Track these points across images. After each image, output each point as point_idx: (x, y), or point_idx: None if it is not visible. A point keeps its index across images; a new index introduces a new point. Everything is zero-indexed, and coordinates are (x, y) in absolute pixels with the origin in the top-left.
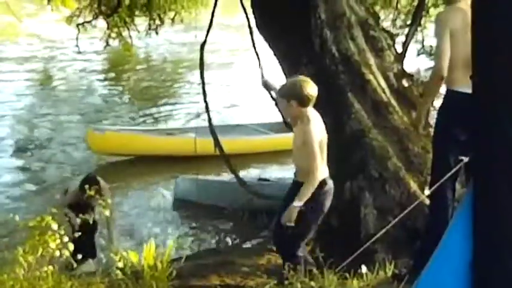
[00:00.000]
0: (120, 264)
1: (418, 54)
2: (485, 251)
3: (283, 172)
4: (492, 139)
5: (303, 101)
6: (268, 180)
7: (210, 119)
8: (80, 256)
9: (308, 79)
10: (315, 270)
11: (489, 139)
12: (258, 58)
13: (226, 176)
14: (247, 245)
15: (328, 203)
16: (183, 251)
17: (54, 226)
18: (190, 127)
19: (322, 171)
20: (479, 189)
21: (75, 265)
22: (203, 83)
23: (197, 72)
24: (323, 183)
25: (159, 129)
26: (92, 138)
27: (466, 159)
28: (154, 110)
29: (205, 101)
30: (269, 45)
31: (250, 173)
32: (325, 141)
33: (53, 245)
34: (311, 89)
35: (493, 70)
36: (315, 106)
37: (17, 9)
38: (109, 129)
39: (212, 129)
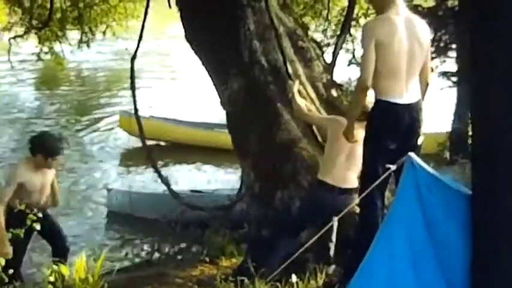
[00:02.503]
0: (52, 278)
1: (349, 64)
2: (485, 251)
3: None
4: (492, 139)
5: None
6: (200, 191)
7: (141, 128)
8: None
9: None
10: (246, 280)
11: (489, 139)
12: None
13: (159, 189)
14: (180, 256)
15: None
16: (115, 263)
17: None
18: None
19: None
20: (479, 190)
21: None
22: (133, 93)
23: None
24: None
25: (198, 122)
26: (123, 121)
27: (393, 167)
28: (86, 118)
29: (135, 111)
30: (198, 56)
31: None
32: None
33: None
34: None
35: (492, 69)
36: (244, 117)
37: None
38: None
39: (142, 137)
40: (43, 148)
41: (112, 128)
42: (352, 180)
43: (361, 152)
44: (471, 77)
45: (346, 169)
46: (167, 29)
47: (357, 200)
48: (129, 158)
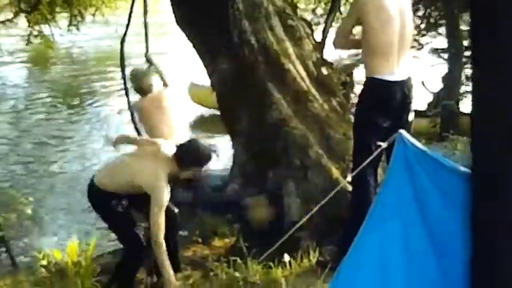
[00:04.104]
0: (44, 262)
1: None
2: (486, 247)
3: None
4: (493, 129)
5: None
6: None
7: (132, 113)
8: None
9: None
10: (239, 260)
11: (490, 129)
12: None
13: None
14: None
15: None
16: (107, 246)
17: None
18: None
19: None
20: (480, 182)
21: None
22: (124, 74)
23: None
24: None
25: None
26: (193, 92)
27: (384, 144)
28: (78, 100)
29: (126, 93)
30: (189, 38)
31: None
32: None
33: None
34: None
35: (493, 57)
36: (235, 97)
37: None
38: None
39: (133, 118)
40: (193, 159)
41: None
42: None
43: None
44: (473, 66)
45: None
46: (162, 6)
47: (348, 178)
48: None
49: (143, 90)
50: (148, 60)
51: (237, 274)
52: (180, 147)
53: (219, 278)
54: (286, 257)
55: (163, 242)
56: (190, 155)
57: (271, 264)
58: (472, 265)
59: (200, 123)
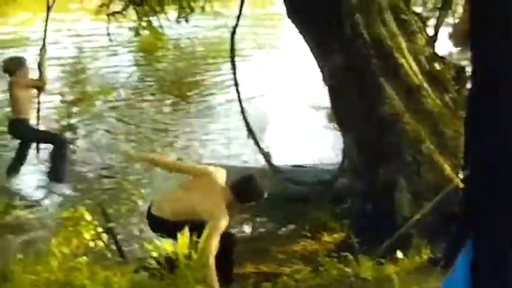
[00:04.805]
0: (155, 254)
1: (450, 37)
2: (487, 253)
3: None
4: (493, 128)
5: None
6: (303, 166)
7: (241, 105)
8: None
9: None
10: (350, 256)
11: (490, 128)
12: None
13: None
14: (282, 232)
15: None
16: None
17: (88, 217)
18: None
19: None
20: (481, 183)
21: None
22: (233, 66)
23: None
24: None
25: None
26: None
27: None
28: (185, 91)
29: (236, 87)
30: (300, 31)
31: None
32: None
33: (87, 235)
34: None
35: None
36: (347, 91)
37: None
38: None
39: (243, 111)
40: (249, 193)
41: None
42: None
43: None
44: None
45: None
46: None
47: (462, 175)
48: None
49: (9, 71)
50: (41, 53)
51: (347, 270)
52: (239, 183)
53: (330, 273)
54: (399, 254)
55: (214, 264)
56: (248, 192)
57: (382, 260)
58: (472, 267)
59: None
